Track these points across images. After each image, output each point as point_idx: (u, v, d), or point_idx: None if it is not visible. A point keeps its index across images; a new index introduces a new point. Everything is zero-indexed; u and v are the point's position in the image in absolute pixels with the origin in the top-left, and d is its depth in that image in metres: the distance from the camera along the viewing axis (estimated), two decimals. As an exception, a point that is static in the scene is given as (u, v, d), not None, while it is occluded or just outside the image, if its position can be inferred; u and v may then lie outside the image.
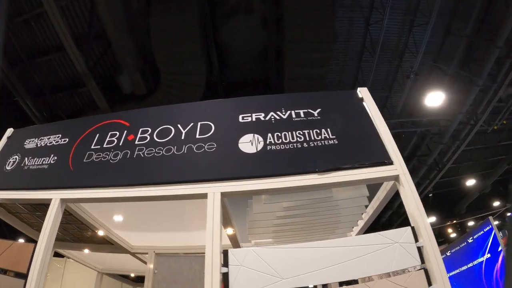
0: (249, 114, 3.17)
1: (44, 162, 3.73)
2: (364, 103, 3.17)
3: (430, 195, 13.45)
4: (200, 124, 3.23)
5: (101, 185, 3.14)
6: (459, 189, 14.66)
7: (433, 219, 13.54)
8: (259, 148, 2.84)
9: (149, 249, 5.01)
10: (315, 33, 7.87)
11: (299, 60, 8.02)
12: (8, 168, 3.90)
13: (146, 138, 3.33)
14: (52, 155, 3.75)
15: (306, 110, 3.12)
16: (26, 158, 3.87)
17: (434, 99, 9.65)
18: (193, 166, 2.91)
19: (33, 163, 3.78)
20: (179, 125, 3.30)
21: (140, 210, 4.38)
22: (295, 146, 2.84)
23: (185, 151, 3.02)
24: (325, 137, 2.87)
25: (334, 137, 2.85)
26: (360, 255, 2.31)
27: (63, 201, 3.32)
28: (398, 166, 2.67)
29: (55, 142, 3.91)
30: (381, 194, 3.29)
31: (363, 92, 3.25)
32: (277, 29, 8.20)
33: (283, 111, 3.15)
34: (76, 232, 4.67)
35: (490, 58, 8.93)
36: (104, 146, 3.45)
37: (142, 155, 3.18)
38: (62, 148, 3.77)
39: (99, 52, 8.58)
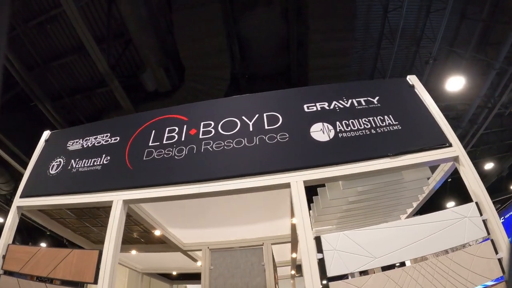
0: (313, 104, 3.13)
1: (96, 163, 3.45)
2: (415, 89, 3.18)
3: (449, 180, 13.16)
4: (266, 115, 3.13)
5: (168, 182, 2.94)
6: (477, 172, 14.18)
7: (452, 203, 13.27)
8: (331, 136, 2.83)
9: (203, 246, 4.85)
10: (338, 22, 7.57)
11: (323, 50, 7.73)
12: (52, 172, 3.62)
13: (210, 131, 3.16)
14: (104, 155, 3.48)
15: (366, 98, 3.12)
16: (72, 160, 3.60)
17: (455, 83, 9.35)
18: (271, 157, 2.82)
19: (82, 165, 3.51)
20: (243, 117, 3.17)
21: (191, 207, 4.13)
22: (364, 133, 2.84)
23: (257, 142, 2.92)
24: (389, 123, 2.89)
25: (397, 123, 2.89)
26: (439, 229, 2.42)
27: (125, 202, 3.07)
28: (457, 148, 2.75)
29: (104, 142, 3.64)
30: (438, 175, 3.30)
31: (413, 80, 3.27)
32: (298, 20, 7.84)
33: (345, 99, 3.13)
34: (126, 233, 4.36)
35: (506, 41, 8.65)
36: (164, 142, 3.24)
37: (210, 149, 3.02)
38: (115, 147, 3.50)
39: (117, 51, 8.19)
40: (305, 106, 3.11)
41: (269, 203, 3.98)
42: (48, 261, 3.13)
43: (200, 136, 3.13)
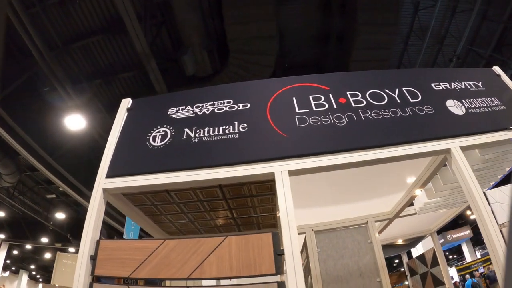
0: (438, 83, 3.13)
1: (227, 131, 2.63)
2: (501, 78, 3.32)
3: None
4: (405, 89, 2.99)
5: (330, 151, 2.49)
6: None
7: None
8: (463, 111, 2.89)
9: (306, 228, 4.43)
10: (383, 16, 6.93)
11: (368, 43, 7.07)
12: (156, 143, 2.63)
13: (361, 101, 2.82)
14: (236, 123, 2.68)
15: (473, 82, 3.21)
16: (187, 130, 2.70)
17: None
18: (430, 127, 2.72)
19: (206, 134, 2.64)
20: (386, 90, 2.96)
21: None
22: (484, 110, 2.94)
23: (411, 113, 2.78)
24: (496, 103, 3.01)
25: (502, 104, 3.01)
26: None
27: (290, 173, 2.40)
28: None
29: (229, 108, 2.82)
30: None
31: (498, 70, 3.41)
32: (342, 12, 7.14)
33: (458, 82, 3.19)
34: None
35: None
36: (315, 109, 2.74)
37: (371, 117, 2.69)
38: (249, 114, 2.75)
39: (152, 32, 7.07)
40: (432, 84, 3.09)
41: (373, 180, 3.68)
42: (183, 257, 2.13)
43: (354, 105, 2.77)
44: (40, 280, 36.56)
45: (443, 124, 2.74)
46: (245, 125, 2.61)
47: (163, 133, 2.71)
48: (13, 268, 32.22)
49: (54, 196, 11.70)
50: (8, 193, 10.48)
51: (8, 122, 7.35)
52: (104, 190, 2.57)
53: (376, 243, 4.22)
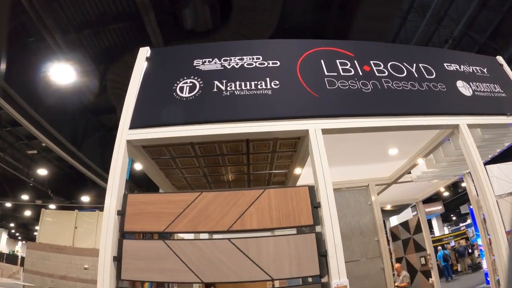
0: (450, 64, 3.25)
1: (260, 87, 2.60)
2: (503, 67, 3.51)
3: None
4: (421, 65, 3.10)
5: (362, 114, 2.61)
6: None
7: None
8: (471, 93, 3.06)
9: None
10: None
11: (370, 13, 6.88)
12: (184, 94, 2.49)
13: (383, 71, 2.90)
14: (267, 79, 2.64)
15: (480, 68, 3.38)
16: (217, 82, 2.66)
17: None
18: (443, 103, 2.90)
19: (238, 88, 2.62)
20: (405, 63, 3.05)
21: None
22: (488, 95, 3.13)
23: (427, 88, 2.92)
24: (498, 90, 3.20)
25: (503, 91, 3.21)
26: None
27: (323, 131, 2.45)
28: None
29: (259, 64, 2.77)
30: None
31: (500, 60, 3.60)
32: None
33: (467, 65, 3.33)
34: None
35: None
36: (342, 74, 2.78)
37: (392, 87, 2.81)
38: (279, 71, 2.73)
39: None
40: (445, 64, 3.22)
41: (376, 146, 3.78)
42: (222, 209, 2.09)
43: (377, 74, 2.86)
44: (19, 238, 35.92)
45: (454, 102, 2.94)
46: (277, 82, 2.60)
47: (191, 84, 2.61)
48: None
49: (35, 152, 11.19)
50: (-13, 150, 9.93)
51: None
52: (128, 141, 2.46)
53: (376, 205, 4.47)
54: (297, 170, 3.39)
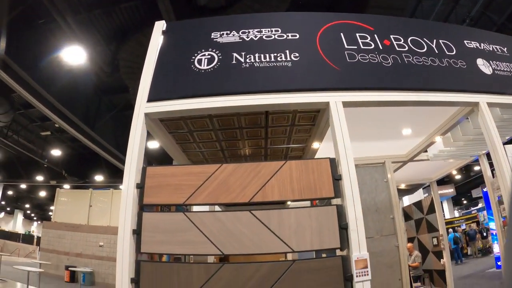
0: (470, 41, 3.21)
1: (280, 59, 2.55)
2: None
3: None
4: (442, 41, 3.06)
5: (379, 87, 2.55)
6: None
7: None
8: (490, 71, 2.99)
9: None
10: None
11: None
12: (202, 66, 2.46)
13: (403, 46, 2.85)
14: (287, 51, 2.59)
15: (500, 47, 3.33)
16: (235, 54, 2.63)
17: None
18: (463, 80, 2.85)
19: (257, 60, 2.56)
20: (425, 39, 2.98)
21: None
22: (508, 74, 3.08)
23: (447, 64, 2.87)
24: None
25: None
26: None
27: (344, 104, 2.41)
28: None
29: (278, 37, 2.71)
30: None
31: None
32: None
33: (487, 43, 3.28)
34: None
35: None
36: (362, 47, 2.72)
37: (413, 62, 2.76)
38: (298, 44, 2.67)
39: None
40: (465, 41, 3.18)
41: (393, 123, 3.77)
42: (243, 181, 2.08)
43: (397, 48, 2.80)
44: (35, 218, 37.00)
45: (474, 80, 2.89)
46: (297, 54, 2.55)
47: (209, 56, 2.57)
48: (8, 209, 32.30)
49: (49, 133, 11.35)
50: (2, 133, 10.05)
51: (2, 58, 6.81)
52: (146, 114, 2.43)
53: (392, 182, 4.44)
54: (315, 145, 3.36)
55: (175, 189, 2.17)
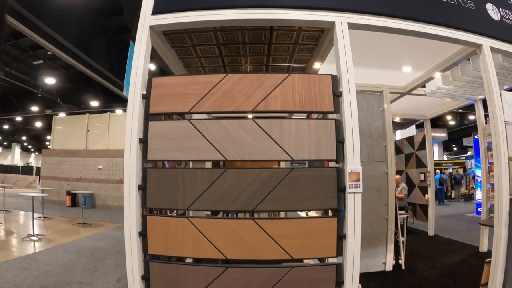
0: None
1: None
2: None
3: None
4: None
5: (386, 13, 2.51)
6: None
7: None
8: (499, 18, 3.08)
9: None
10: None
11: None
12: None
13: None
14: None
15: None
16: None
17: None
18: (470, 20, 2.88)
19: None
20: None
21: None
22: None
23: (456, 3, 2.89)
24: None
25: None
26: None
27: (349, 25, 2.39)
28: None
29: None
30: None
31: None
32: None
33: None
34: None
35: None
36: None
37: None
38: None
39: None
40: None
41: (395, 52, 3.75)
42: (248, 91, 2.15)
43: None
44: (32, 150, 37.44)
45: (481, 22, 2.93)
46: None
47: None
48: (5, 144, 32.40)
49: (41, 62, 11.02)
50: (-8, 66, 9.72)
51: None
52: (151, 27, 2.42)
53: (388, 112, 4.54)
54: (316, 65, 3.40)
55: (181, 98, 2.24)
